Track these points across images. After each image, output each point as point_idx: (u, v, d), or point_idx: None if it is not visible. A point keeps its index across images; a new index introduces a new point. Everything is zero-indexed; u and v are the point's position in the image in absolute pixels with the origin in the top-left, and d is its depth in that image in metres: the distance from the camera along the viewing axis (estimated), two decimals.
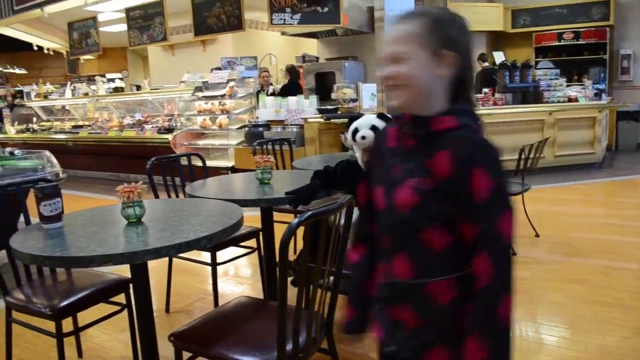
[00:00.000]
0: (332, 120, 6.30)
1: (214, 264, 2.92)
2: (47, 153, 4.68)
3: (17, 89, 12.73)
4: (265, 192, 2.55)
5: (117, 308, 2.45)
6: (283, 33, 9.50)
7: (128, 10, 8.77)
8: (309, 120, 6.52)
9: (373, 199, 1.25)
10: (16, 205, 2.63)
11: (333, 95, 6.90)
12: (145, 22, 8.48)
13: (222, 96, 7.36)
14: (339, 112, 6.50)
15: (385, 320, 1.22)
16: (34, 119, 11.32)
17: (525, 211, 4.39)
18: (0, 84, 22.82)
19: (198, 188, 2.68)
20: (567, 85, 8.01)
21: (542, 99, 7.58)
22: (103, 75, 17.81)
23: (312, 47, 10.65)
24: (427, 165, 1.11)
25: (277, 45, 11.65)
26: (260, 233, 2.91)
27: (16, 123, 11.14)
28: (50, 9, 8.95)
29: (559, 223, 4.84)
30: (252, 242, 3.14)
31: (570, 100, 7.53)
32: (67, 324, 2.34)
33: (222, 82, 7.37)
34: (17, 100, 11.30)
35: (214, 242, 1.91)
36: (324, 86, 8.25)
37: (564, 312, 3.01)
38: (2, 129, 11.27)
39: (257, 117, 7.12)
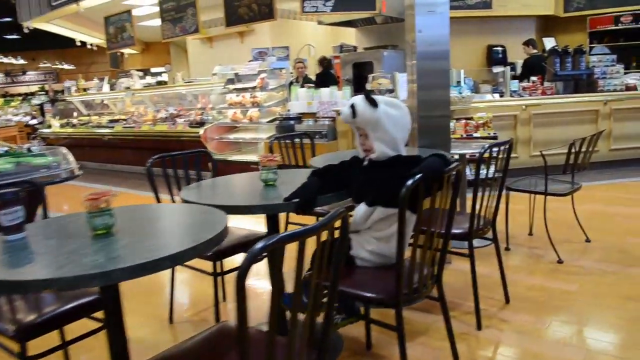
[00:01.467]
0: None
1: (215, 274, 2.65)
2: (64, 149, 4.52)
3: (62, 85, 12.89)
4: (268, 196, 2.24)
5: (98, 325, 2.20)
6: (319, 22, 9.17)
7: (161, 3, 8.64)
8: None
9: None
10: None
11: (368, 86, 6.52)
12: (177, 14, 8.32)
13: (253, 88, 7.11)
14: None
15: None
16: (74, 114, 11.43)
17: (575, 212, 3.93)
18: (52, 79, 23.53)
19: (194, 191, 2.40)
20: (625, 73, 7.33)
21: (597, 87, 6.95)
22: (147, 70, 18.02)
23: (351, 36, 10.28)
24: None
25: (315, 35, 11.34)
26: None
27: (57, 117, 11.28)
28: (86, 3, 8.93)
29: (613, 226, 4.33)
30: None
31: (628, 88, 6.88)
32: (45, 342, 2.11)
33: (253, 74, 7.11)
34: (57, 95, 11.41)
35: (182, 262, 1.61)
36: (361, 77, 7.88)
37: (618, 336, 2.58)
38: (44, 122, 11.46)
39: (289, 110, 6.82)
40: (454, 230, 2.71)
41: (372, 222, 2.13)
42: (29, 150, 4.54)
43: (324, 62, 7.82)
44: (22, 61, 20.91)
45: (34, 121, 13.03)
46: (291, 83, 7.22)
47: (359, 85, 7.66)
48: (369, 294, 1.94)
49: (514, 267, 3.50)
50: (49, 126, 11.33)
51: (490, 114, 5.88)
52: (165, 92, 9.46)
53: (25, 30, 10.52)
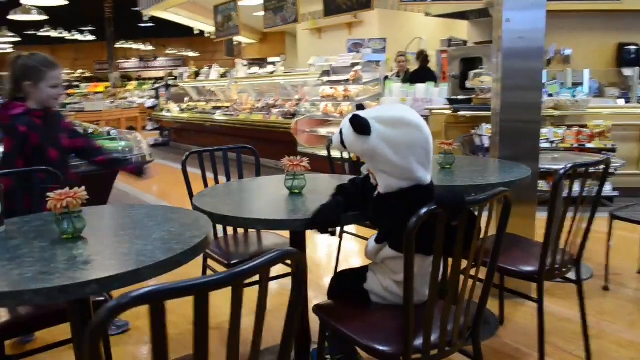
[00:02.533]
0: (461, 113, 5.36)
1: None
2: (137, 135, 4.52)
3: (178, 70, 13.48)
4: (294, 206, 1.91)
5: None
6: (427, 14, 8.62)
7: None
8: (434, 111, 5.66)
9: None
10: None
11: (468, 84, 5.93)
12: (279, 4, 8.20)
13: (346, 81, 6.78)
14: (473, 104, 5.54)
15: None
16: (185, 99, 11.86)
17: None
18: (179, 65, 24.91)
19: (208, 197, 2.12)
20: None
21: None
22: (264, 59, 18.39)
23: (462, 30, 9.59)
24: None
25: (427, 28, 10.73)
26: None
27: (169, 101, 11.77)
28: None
29: None
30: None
31: None
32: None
33: (348, 66, 6.78)
34: (170, 81, 11.91)
35: (140, 281, 1.33)
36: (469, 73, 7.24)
37: None
38: (157, 106, 12.02)
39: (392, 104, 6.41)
40: (518, 268, 2.19)
41: (384, 259, 1.71)
42: (108, 133, 4.60)
43: (422, 57, 7.28)
44: (150, 47, 22.29)
45: (150, 104, 13.76)
46: (387, 77, 6.79)
47: (464, 82, 7.05)
48: (373, 345, 1.54)
49: (608, 314, 2.85)
50: (161, 110, 11.86)
51: (609, 123, 5.04)
52: (268, 82, 9.44)
53: (145, 19, 11.04)
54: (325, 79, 7.22)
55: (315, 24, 11.39)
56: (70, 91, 23.29)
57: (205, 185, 2.69)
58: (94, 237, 1.57)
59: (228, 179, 2.78)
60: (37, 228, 1.69)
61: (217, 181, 2.75)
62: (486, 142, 4.57)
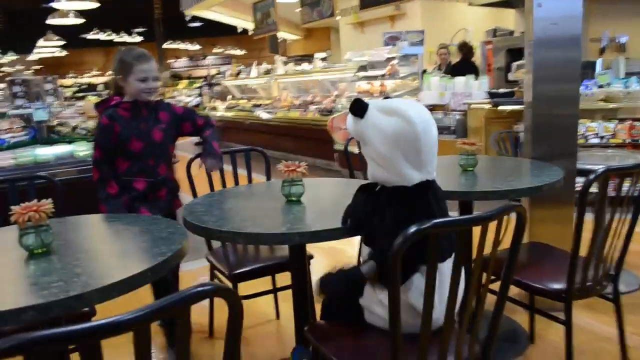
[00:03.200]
0: (501, 107, 5.05)
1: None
2: None
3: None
4: (292, 216, 1.74)
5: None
6: (470, 3, 8.25)
7: None
8: (473, 106, 5.36)
9: None
10: None
11: (510, 76, 5.61)
12: None
13: (382, 76, 6.54)
14: (515, 97, 5.21)
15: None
16: (228, 97, 11.89)
17: None
18: (227, 63, 25.22)
19: (199, 205, 1.99)
20: None
21: None
22: (310, 55, 18.32)
23: (509, 19, 9.13)
24: None
25: (473, 18, 10.30)
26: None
27: (212, 99, 11.83)
28: None
29: None
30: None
31: None
32: None
33: (383, 61, 6.54)
34: (213, 79, 11.97)
35: (85, 306, 1.21)
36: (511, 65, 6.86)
37: None
38: (201, 104, 12.13)
39: (418, 101, 6.15)
40: (545, 285, 1.95)
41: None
42: None
43: (464, 49, 6.94)
44: (198, 47, 22.59)
45: (194, 102, 13.91)
46: (425, 71, 6.50)
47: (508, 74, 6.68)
48: None
49: None
50: (204, 108, 11.95)
51: None
52: (306, 79, 9.31)
53: (187, 18, 11.12)
54: (362, 74, 7.01)
55: (357, 18, 11.16)
56: None
57: (211, 189, 2.56)
58: (58, 253, 1.46)
59: (236, 183, 2.64)
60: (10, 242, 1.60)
61: (224, 185, 2.61)
62: None
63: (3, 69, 22.54)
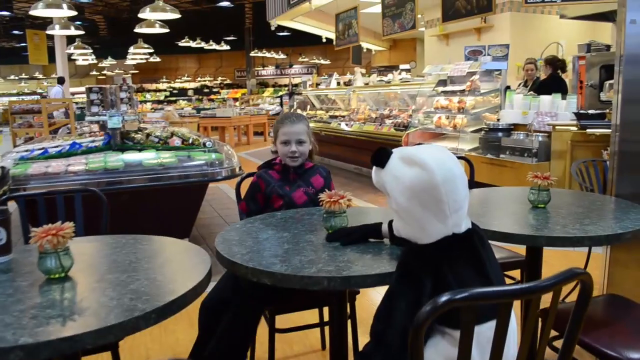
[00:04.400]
0: (589, 131, 4.63)
1: (272, 330, 2.11)
2: (229, 148, 4.47)
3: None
4: (327, 254, 1.60)
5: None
6: (561, 16, 7.74)
7: None
8: (557, 127, 4.96)
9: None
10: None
11: (602, 96, 5.14)
12: (397, 10, 7.84)
13: (462, 92, 6.24)
14: (606, 120, 4.76)
15: None
16: (308, 107, 11.93)
17: None
18: (312, 73, 25.51)
19: (235, 232, 1.89)
20: None
21: None
22: (394, 67, 18.14)
23: (606, 33, 8.48)
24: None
25: (566, 32, 9.69)
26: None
27: (291, 110, 11.92)
28: (317, 2, 9.08)
29: None
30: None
31: None
32: None
33: (462, 75, 6.24)
34: (295, 89, 12.05)
35: (77, 349, 1.13)
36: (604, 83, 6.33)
37: None
38: (281, 113, 12.25)
39: (498, 119, 5.80)
40: (619, 352, 1.66)
41: None
42: (204, 144, 4.61)
43: (553, 64, 6.48)
44: (283, 55, 23.00)
45: (276, 110, 14.09)
46: (508, 87, 6.13)
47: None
48: None
49: None
50: None
51: None
52: (385, 91, 9.13)
53: (272, 28, 11.29)
54: (440, 88, 6.74)
55: (442, 30, 10.86)
56: (212, 97, 24.97)
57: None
58: (74, 279, 1.41)
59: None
60: (24, 265, 1.57)
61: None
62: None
63: (104, 72, 24.09)
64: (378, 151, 1.50)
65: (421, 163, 1.36)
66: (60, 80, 11.78)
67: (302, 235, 1.81)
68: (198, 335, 2.28)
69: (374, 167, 1.52)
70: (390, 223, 1.58)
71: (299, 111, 11.63)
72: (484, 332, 1.21)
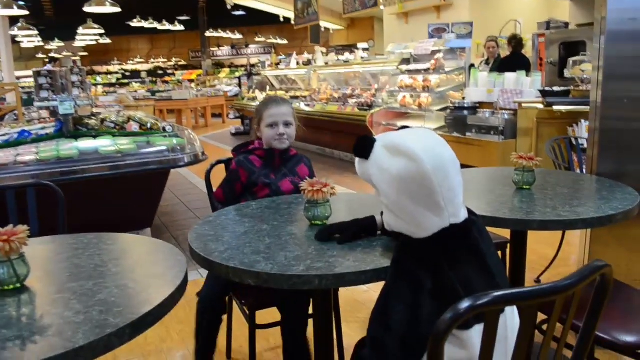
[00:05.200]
0: (556, 108, 4.63)
1: (252, 327, 1.98)
2: (190, 132, 4.27)
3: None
4: (313, 248, 1.46)
5: None
6: None
7: None
8: (523, 105, 4.96)
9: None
10: None
11: (566, 73, 5.15)
12: None
13: (426, 70, 6.17)
14: (571, 96, 4.78)
15: None
16: (267, 87, 11.69)
17: None
18: (268, 53, 25.13)
19: (211, 224, 1.74)
20: None
21: None
22: (353, 45, 17.97)
23: (564, 11, 8.57)
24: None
25: (524, 9, 9.76)
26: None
27: (250, 90, 11.66)
28: None
29: None
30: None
31: None
32: None
33: (427, 54, 6.17)
34: (253, 70, 11.77)
35: None
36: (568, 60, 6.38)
37: None
38: (239, 94, 11.98)
39: (464, 98, 5.77)
40: (614, 336, 1.61)
41: None
42: (164, 129, 4.39)
43: (513, 42, 6.50)
44: (239, 35, 22.50)
45: (234, 92, 13.77)
46: (472, 66, 6.10)
47: (564, 70, 6.22)
48: None
49: None
50: (243, 98, 11.79)
51: None
52: (346, 71, 9.00)
53: (229, 7, 10.94)
54: (404, 67, 6.66)
55: (402, 8, 10.76)
56: (166, 79, 24.26)
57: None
58: (32, 290, 1.24)
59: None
60: None
61: None
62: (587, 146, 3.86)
63: (51, 54, 23.03)
64: (360, 140, 1.37)
65: (407, 152, 1.24)
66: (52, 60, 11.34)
67: (282, 227, 1.68)
68: (199, 343, 2.14)
69: (357, 159, 1.40)
70: (382, 213, 1.47)
71: (257, 92, 11.38)
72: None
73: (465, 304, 0.86)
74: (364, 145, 1.36)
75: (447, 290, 1.16)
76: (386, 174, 1.28)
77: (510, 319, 1.21)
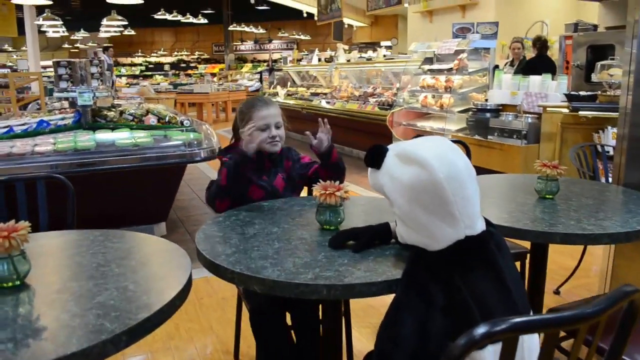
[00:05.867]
0: (582, 113, 4.50)
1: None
2: (208, 127, 4.23)
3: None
4: (323, 255, 1.41)
5: None
6: None
7: None
8: (548, 109, 4.83)
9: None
10: None
11: (594, 77, 5.00)
12: None
13: (449, 70, 6.07)
14: (597, 102, 4.64)
15: None
16: (288, 83, 11.64)
17: None
18: (291, 48, 25.09)
19: (219, 225, 1.69)
20: None
21: None
22: (376, 43, 17.84)
23: (593, 13, 8.35)
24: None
25: (552, 10, 9.55)
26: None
27: (272, 86, 11.63)
28: None
29: None
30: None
31: None
32: None
33: (450, 54, 6.06)
34: (275, 65, 11.73)
35: None
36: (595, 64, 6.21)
37: None
38: (260, 89, 11.96)
39: (487, 100, 5.65)
40: (635, 358, 1.53)
41: None
42: (181, 123, 4.37)
43: (538, 44, 6.35)
44: (263, 30, 22.49)
45: (255, 87, 13.76)
46: (496, 67, 5.98)
47: (590, 74, 6.06)
48: None
49: None
50: (264, 93, 11.76)
51: None
52: (368, 68, 8.91)
53: (252, 1, 10.90)
54: (427, 67, 6.55)
55: (426, 6, 10.64)
56: (189, 72, 24.39)
57: None
58: (31, 288, 1.21)
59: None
60: None
61: None
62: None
63: (77, 45, 23.29)
64: (372, 150, 1.32)
65: (419, 160, 1.19)
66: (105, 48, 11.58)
67: (293, 231, 1.63)
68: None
69: (369, 169, 1.35)
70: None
71: (278, 88, 11.35)
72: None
73: (481, 330, 0.80)
74: (375, 155, 1.31)
75: (459, 307, 1.10)
76: (397, 183, 1.23)
77: (528, 339, 1.14)
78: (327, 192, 1.58)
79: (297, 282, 1.22)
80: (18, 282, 1.22)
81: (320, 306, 1.83)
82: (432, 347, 1.10)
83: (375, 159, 1.31)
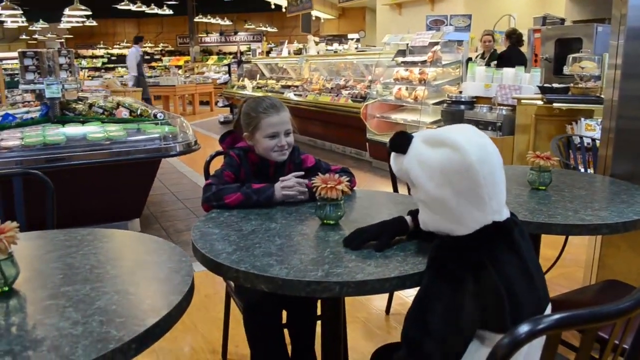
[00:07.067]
0: (556, 105, 4.56)
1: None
2: (183, 120, 4.12)
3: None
4: (329, 251, 1.35)
5: None
6: None
7: None
8: (522, 101, 4.88)
9: None
10: None
11: (565, 70, 5.07)
12: None
13: (423, 63, 6.07)
14: (570, 94, 4.71)
15: None
16: (257, 76, 11.50)
17: None
18: (258, 40, 24.84)
19: (214, 228, 1.62)
20: None
21: None
22: (343, 36, 17.79)
23: (560, 6, 8.51)
24: None
25: (520, 4, 9.71)
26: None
27: (241, 78, 11.46)
28: None
29: None
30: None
31: None
32: None
33: (424, 46, 6.06)
34: (243, 57, 11.56)
35: None
36: (565, 57, 6.32)
37: None
38: (229, 82, 11.78)
39: (461, 92, 5.68)
40: None
41: None
42: (155, 116, 4.24)
43: (512, 37, 6.42)
44: (229, 22, 22.18)
45: (223, 80, 13.56)
46: (469, 59, 6.01)
47: (560, 67, 6.16)
48: None
49: None
50: (232, 86, 11.60)
51: None
52: (339, 61, 8.86)
53: None
54: (400, 59, 6.54)
55: None
56: (153, 64, 23.87)
57: None
58: (21, 294, 1.12)
59: None
60: None
61: None
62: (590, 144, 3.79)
63: (35, 36, 22.50)
64: (397, 135, 1.28)
65: (451, 142, 1.16)
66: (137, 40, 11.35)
67: (292, 226, 1.57)
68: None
69: (393, 154, 1.30)
70: (409, 214, 1.38)
71: (246, 80, 11.19)
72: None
73: (524, 329, 0.77)
74: (401, 140, 1.27)
75: (489, 292, 1.09)
76: (426, 166, 1.20)
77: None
78: (328, 185, 1.53)
79: (308, 280, 1.17)
80: (6, 288, 1.13)
81: (319, 302, 1.79)
82: (462, 333, 1.09)
83: (401, 144, 1.27)
